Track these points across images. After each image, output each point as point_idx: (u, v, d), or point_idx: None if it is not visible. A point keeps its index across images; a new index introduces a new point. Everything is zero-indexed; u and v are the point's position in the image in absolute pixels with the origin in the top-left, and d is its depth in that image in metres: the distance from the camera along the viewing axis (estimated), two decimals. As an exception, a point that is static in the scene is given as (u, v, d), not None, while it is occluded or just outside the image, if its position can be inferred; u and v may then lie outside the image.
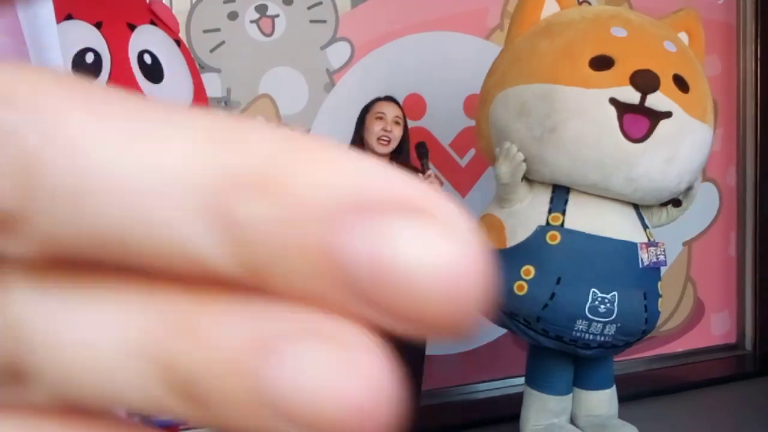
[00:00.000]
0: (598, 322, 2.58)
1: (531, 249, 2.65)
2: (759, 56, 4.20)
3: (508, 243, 2.70)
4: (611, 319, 2.58)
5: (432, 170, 2.58)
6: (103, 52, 2.10)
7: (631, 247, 2.65)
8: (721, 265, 4.31)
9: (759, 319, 4.30)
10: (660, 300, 2.77)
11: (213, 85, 3.18)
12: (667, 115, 2.45)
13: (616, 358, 3.14)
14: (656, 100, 2.42)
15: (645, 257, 2.70)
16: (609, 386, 3.00)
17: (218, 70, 3.19)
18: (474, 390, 3.77)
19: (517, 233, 2.68)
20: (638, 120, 2.43)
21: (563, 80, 2.45)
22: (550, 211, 2.66)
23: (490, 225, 2.74)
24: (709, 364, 4.20)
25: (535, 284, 2.60)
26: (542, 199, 2.68)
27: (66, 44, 2.01)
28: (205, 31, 3.17)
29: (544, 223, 2.64)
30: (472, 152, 3.61)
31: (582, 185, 2.58)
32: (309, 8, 3.31)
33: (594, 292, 2.57)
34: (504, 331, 3.54)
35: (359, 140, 2.56)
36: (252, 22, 3.23)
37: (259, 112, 3.27)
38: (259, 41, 3.25)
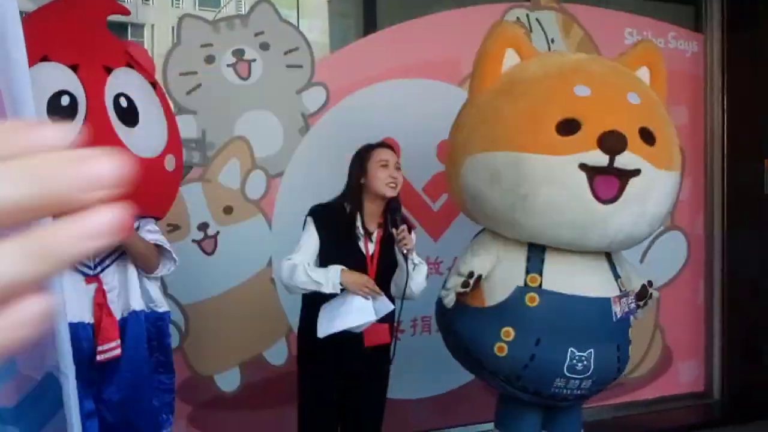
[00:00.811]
0: (575, 378, 2.63)
1: (510, 310, 2.66)
2: (726, 107, 4.31)
3: (487, 302, 2.70)
4: (588, 375, 2.62)
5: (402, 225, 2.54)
6: (78, 95, 2.10)
7: (605, 303, 2.67)
8: (689, 313, 4.36)
9: (727, 368, 4.34)
10: (630, 346, 2.82)
11: (188, 127, 3.20)
12: (636, 173, 2.45)
13: (585, 405, 3.16)
14: (625, 160, 2.42)
15: (618, 310, 2.73)
16: (577, 419, 3.00)
17: (194, 112, 3.22)
18: (443, 436, 3.76)
19: (495, 293, 2.69)
20: (608, 181, 2.44)
21: (531, 147, 2.44)
22: (527, 272, 2.67)
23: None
24: (677, 412, 4.23)
25: (515, 346, 2.63)
26: (518, 257, 2.68)
27: (41, 86, 2.00)
28: (181, 74, 3.19)
29: (522, 284, 2.65)
30: (444, 197, 3.65)
31: (558, 244, 2.60)
32: (285, 53, 3.36)
33: (572, 351, 2.61)
34: (471, 377, 3.56)
35: (357, 185, 2.52)
36: (229, 65, 3.27)
37: (233, 154, 3.29)
38: (235, 84, 3.28)
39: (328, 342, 2.45)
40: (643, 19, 4.17)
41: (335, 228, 2.47)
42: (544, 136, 2.43)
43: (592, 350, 2.61)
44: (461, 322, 2.76)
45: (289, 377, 3.16)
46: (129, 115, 2.21)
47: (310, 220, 2.48)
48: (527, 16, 3.87)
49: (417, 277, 2.51)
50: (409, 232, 2.52)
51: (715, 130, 4.34)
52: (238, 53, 3.28)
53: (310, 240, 2.44)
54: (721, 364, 4.36)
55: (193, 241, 3.25)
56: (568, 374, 2.62)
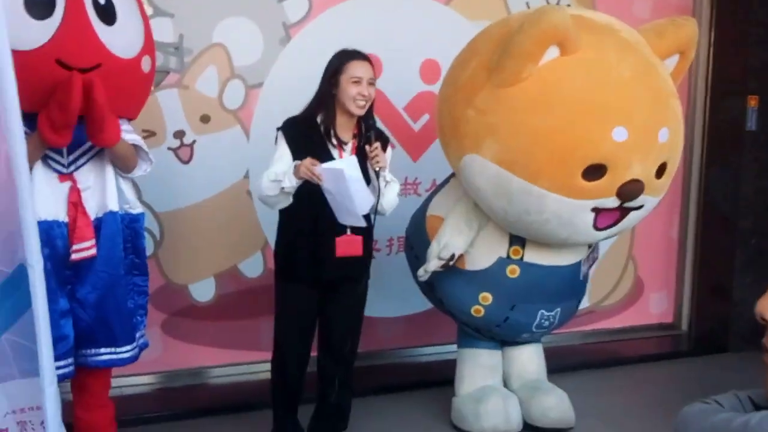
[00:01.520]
0: (540, 331, 2.93)
1: (490, 278, 2.77)
2: (712, 41, 4.23)
3: (467, 266, 2.79)
4: (552, 327, 2.93)
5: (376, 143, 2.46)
6: None
7: (576, 266, 2.83)
8: (662, 246, 4.39)
9: (696, 301, 4.41)
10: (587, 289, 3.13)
11: (165, 30, 3.11)
12: (639, 208, 2.52)
13: (554, 332, 3.22)
14: (635, 202, 2.47)
15: (585, 268, 2.90)
16: (536, 342, 3.12)
17: (171, 15, 3.12)
18: (412, 354, 3.81)
19: (476, 260, 2.77)
20: (611, 215, 2.51)
21: (553, 188, 2.38)
22: (510, 243, 2.74)
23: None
24: (644, 342, 4.30)
25: (491, 310, 2.81)
26: (501, 231, 2.74)
27: None
28: (159, -26, 3.09)
29: (504, 255, 2.75)
30: (425, 117, 3.61)
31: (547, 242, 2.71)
32: (268, -41, 3.26)
33: (542, 312, 2.83)
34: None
35: (329, 95, 2.47)
36: (209, -33, 3.16)
37: (211, 61, 3.21)
38: (215, -12, 3.18)
39: (305, 256, 2.48)
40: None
41: (308, 140, 2.45)
42: (573, 181, 2.37)
43: (558, 309, 2.85)
44: (439, 279, 2.81)
45: (264, 290, 3.18)
46: (107, 12, 2.12)
47: (280, 134, 2.47)
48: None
49: (388, 194, 2.50)
50: (384, 149, 2.50)
51: (700, 65, 4.28)
52: (220, -45, 3.17)
53: (282, 155, 2.43)
54: (690, 297, 4.43)
55: (169, 148, 3.20)
56: (535, 330, 2.88)
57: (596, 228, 2.51)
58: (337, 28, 3.39)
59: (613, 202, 2.43)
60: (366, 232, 2.53)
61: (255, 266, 3.42)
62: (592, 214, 2.46)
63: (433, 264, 2.68)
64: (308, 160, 2.32)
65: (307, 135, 2.46)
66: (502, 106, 2.41)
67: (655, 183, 2.48)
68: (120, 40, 2.14)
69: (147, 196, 3.13)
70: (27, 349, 1.82)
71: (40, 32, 1.97)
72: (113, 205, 2.27)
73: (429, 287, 2.94)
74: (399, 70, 3.52)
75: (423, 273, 2.73)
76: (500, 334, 2.93)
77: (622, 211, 2.50)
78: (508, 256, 2.75)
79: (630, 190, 2.40)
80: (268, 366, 2.73)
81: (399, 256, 3.67)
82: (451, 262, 2.68)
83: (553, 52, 2.35)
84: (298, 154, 2.41)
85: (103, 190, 2.25)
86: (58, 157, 2.15)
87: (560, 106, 2.34)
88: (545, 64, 2.35)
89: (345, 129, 2.51)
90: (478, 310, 2.82)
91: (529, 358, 3.07)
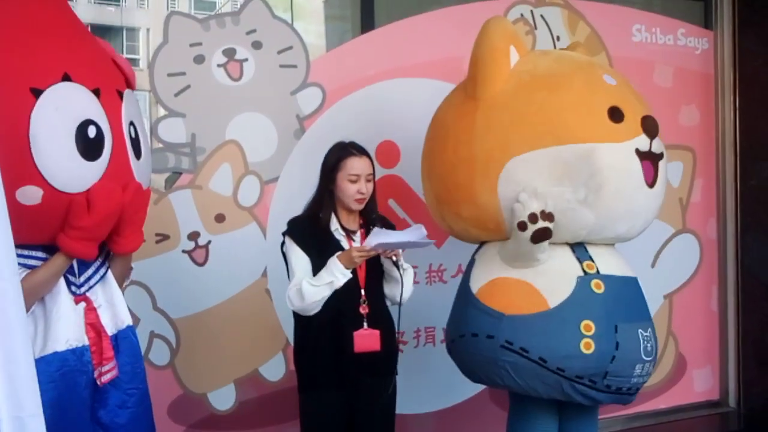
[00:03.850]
0: (648, 361, 2.51)
1: (580, 302, 2.44)
2: (737, 106, 4.17)
3: (551, 303, 2.45)
4: (654, 356, 2.55)
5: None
6: (103, 126, 1.93)
7: (637, 283, 2.65)
8: (702, 320, 4.21)
9: (743, 375, 4.19)
10: None
11: (177, 131, 3.05)
12: (662, 156, 2.55)
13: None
14: (657, 144, 2.53)
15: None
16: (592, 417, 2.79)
17: (183, 115, 3.06)
18: (449, 451, 3.60)
19: (555, 291, 2.46)
20: (649, 166, 2.50)
21: (597, 137, 2.43)
22: (579, 260, 2.53)
23: (519, 290, 2.49)
24: (691, 422, 4.09)
25: (598, 339, 2.40)
26: (561, 252, 2.53)
27: (67, 111, 1.85)
28: (170, 75, 3.04)
29: (582, 273, 2.49)
30: (447, 202, 3.49)
31: (605, 239, 2.58)
32: (279, 53, 3.21)
33: (641, 332, 2.49)
34: (481, 388, 3.40)
35: (327, 192, 2.44)
36: (219, 65, 3.11)
37: (225, 159, 3.13)
38: (226, 85, 3.13)
39: (327, 354, 2.39)
40: (651, 15, 4.06)
41: (315, 238, 2.41)
42: (603, 126, 2.45)
43: (650, 327, 2.57)
44: (528, 337, 2.44)
45: (286, 394, 3.02)
46: (136, 146, 2.09)
47: (289, 240, 2.41)
48: (531, 12, 3.72)
49: (407, 282, 2.48)
50: None
51: (726, 130, 4.20)
52: (229, 52, 3.12)
53: (299, 258, 2.39)
54: (736, 371, 4.22)
55: (184, 251, 3.08)
56: (645, 358, 2.49)
57: (646, 183, 2.49)
58: (352, 116, 3.33)
59: (645, 141, 2.48)
60: (384, 326, 2.44)
61: (277, 369, 3.26)
62: (638, 160, 2.46)
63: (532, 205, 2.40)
64: (354, 249, 2.33)
65: (314, 233, 2.41)
66: (499, 110, 2.51)
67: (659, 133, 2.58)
68: (143, 172, 2.12)
69: (161, 302, 3.02)
70: None
71: (92, 173, 1.92)
72: (127, 320, 2.18)
73: (519, 358, 2.47)
74: (416, 156, 3.40)
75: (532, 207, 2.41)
76: (615, 379, 2.45)
77: (653, 161, 2.51)
78: (585, 273, 2.49)
79: (649, 124, 2.50)
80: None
81: (427, 348, 3.51)
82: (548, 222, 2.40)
83: (515, 55, 2.58)
84: (310, 253, 2.37)
85: (113, 306, 2.16)
86: (72, 279, 2.06)
87: (554, 78, 2.54)
88: (515, 66, 2.57)
89: (350, 221, 2.49)
90: (588, 345, 2.39)
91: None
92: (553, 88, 2.49)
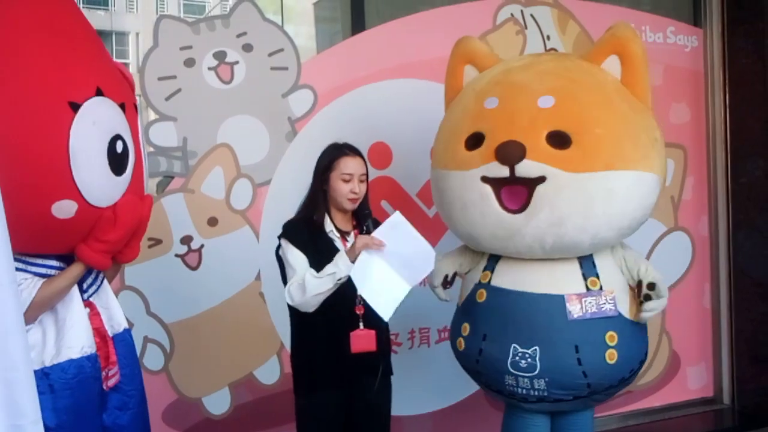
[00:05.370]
0: (524, 377, 2.53)
1: (468, 307, 2.70)
2: (727, 103, 4.17)
3: (460, 300, 2.78)
4: (535, 373, 2.52)
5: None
6: (128, 139, 1.96)
7: (555, 301, 2.54)
8: (696, 317, 4.21)
9: (736, 372, 4.19)
10: (609, 351, 2.55)
11: (168, 134, 3.04)
12: (541, 180, 2.39)
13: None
14: (526, 169, 2.39)
15: (575, 309, 2.55)
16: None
17: (174, 119, 3.05)
18: (444, 452, 3.60)
19: (464, 290, 2.77)
20: (514, 191, 2.45)
21: (450, 164, 2.59)
22: (485, 268, 2.69)
23: None
24: (686, 419, 4.09)
25: (469, 341, 2.66)
26: (483, 257, 2.73)
27: (102, 125, 1.86)
28: (160, 78, 3.03)
29: (478, 280, 2.68)
30: (440, 203, 3.49)
31: (497, 253, 2.65)
32: (270, 55, 3.20)
33: (515, 347, 2.54)
34: (475, 389, 3.40)
35: (321, 192, 2.46)
36: (210, 69, 3.10)
37: (217, 162, 3.12)
38: (217, 88, 3.12)
39: (323, 358, 2.40)
40: (641, 13, 4.06)
41: (311, 239, 2.42)
42: (458, 153, 2.55)
43: (537, 348, 2.52)
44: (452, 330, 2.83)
45: (282, 397, 3.02)
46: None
47: (286, 242, 2.41)
48: (521, 12, 3.73)
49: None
50: None
51: (717, 127, 4.20)
52: (220, 55, 3.11)
53: (297, 257, 2.38)
54: (730, 368, 4.22)
55: (176, 255, 3.07)
56: (513, 371, 2.55)
57: (505, 209, 2.45)
58: (344, 118, 3.32)
59: (499, 168, 2.41)
60: (380, 326, 2.44)
61: (271, 372, 3.25)
62: (488, 187, 2.46)
63: (437, 291, 2.80)
64: (360, 238, 2.31)
65: (309, 234, 2.42)
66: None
67: (552, 153, 2.37)
68: (144, 183, 2.14)
69: (155, 307, 3.01)
70: None
71: (119, 187, 1.94)
72: (124, 323, 2.19)
73: None
74: (409, 157, 3.43)
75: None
76: (485, 378, 2.67)
77: (527, 186, 2.40)
78: (480, 282, 2.65)
79: (504, 150, 2.40)
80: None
81: (421, 349, 3.51)
82: (448, 286, 2.80)
83: (474, 73, 2.77)
84: (306, 253, 2.37)
85: (110, 310, 2.17)
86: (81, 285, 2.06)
87: (455, 101, 2.75)
88: (467, 83, 2.78)
89: (343, 221, 2.50)
90: (460, 343, 2.68)
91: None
92: (449, 112, 2.75)
